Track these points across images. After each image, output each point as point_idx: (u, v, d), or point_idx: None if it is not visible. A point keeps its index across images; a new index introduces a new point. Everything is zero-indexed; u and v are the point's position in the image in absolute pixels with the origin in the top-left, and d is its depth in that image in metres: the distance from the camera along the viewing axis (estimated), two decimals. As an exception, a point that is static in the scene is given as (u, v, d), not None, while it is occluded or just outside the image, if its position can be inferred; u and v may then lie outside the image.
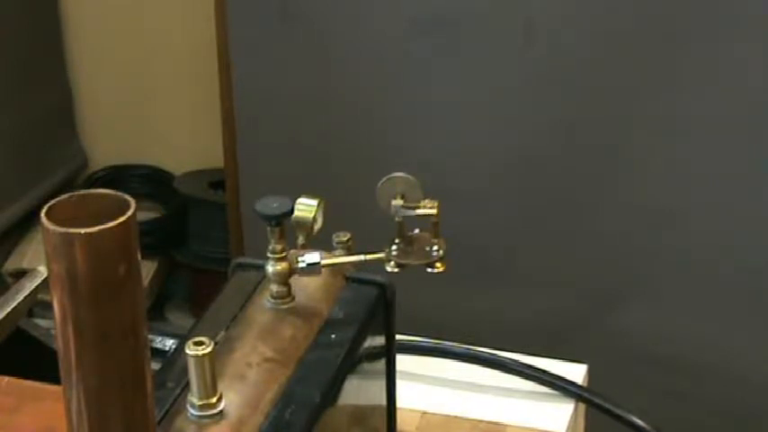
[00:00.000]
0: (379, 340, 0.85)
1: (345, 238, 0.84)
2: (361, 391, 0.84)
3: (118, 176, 2.60)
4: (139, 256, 0.54)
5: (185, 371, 0.68)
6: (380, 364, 0.87)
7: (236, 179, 1.92)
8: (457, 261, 0.83)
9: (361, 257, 0.81)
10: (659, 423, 1.07)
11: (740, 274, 1.69)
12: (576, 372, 1.10)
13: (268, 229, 0.78)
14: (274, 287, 0.79)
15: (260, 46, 1.81)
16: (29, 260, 2.39)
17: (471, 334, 1.18)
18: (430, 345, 1.11)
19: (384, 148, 1.77)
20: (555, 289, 1.78)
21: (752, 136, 1.62)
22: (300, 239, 0.82)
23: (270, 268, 0.78)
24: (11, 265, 2.43)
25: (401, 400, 0.91)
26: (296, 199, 0.80)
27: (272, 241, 0.78)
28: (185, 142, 2.53)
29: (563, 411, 1.06)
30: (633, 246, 1.72)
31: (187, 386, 0.69)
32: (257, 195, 0.78)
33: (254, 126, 1.87)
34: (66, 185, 2.50)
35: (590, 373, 1.11)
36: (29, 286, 1.13)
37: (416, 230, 0.81)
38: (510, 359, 1.09)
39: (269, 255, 0.78)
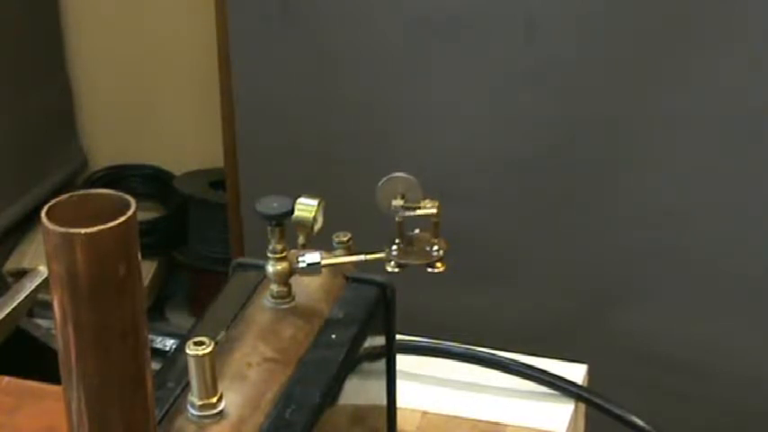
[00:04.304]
0: (379, 340, 0.85)
1: (345, 238, 0.84)
2: (361, 391, 0.84)
3: (118, 176, 2.60)
4: (139, 256, 0.54)
5: (185, 371, 0.68)
6: (380, 364, 0.87)
7: (236, 179, 1.92)
8: (457, 261, 0.83)
9: (361, 257, 0.81)
10: (659, 423, 1.07)
11: (740, 274, 1.69)
12: (576, 372, 1.10)
13: (268, 229, 0.78)
14: (274, 287, 0.79)
15: (260, 46, 1.81)
16: (29, 260, 2.39)
17: (471, 334, 1.18)
18: (430, 345, 1.11)
19: (384, 148, 1.77)
20: (555, 289, 1.78)
21: (752, 136, 1.62)
22: (300, 239, 0.82)
23: (270, 268, 0.78)
24: (11, 265, 2.43)
25: (401, 400, 0.91)
26: (296, 199, 0.80)
27: (272, 241, 0.78)
28: (185, 142, 2.53)
29: (563, 411, 1.06)
30: (633, 245, 1.72)
31: (187, 386, 0.69)
32: (257, 195, 0.78)
33: (254, 126, 1.87)
34: (67, 185, 2.50)
35: (590, 373, 1.11)
36: (29, 286, 1.13)
37: (416, 230, 0.81)
38: (510, 359, 1.09)
39: (269, 255, 0.78)
